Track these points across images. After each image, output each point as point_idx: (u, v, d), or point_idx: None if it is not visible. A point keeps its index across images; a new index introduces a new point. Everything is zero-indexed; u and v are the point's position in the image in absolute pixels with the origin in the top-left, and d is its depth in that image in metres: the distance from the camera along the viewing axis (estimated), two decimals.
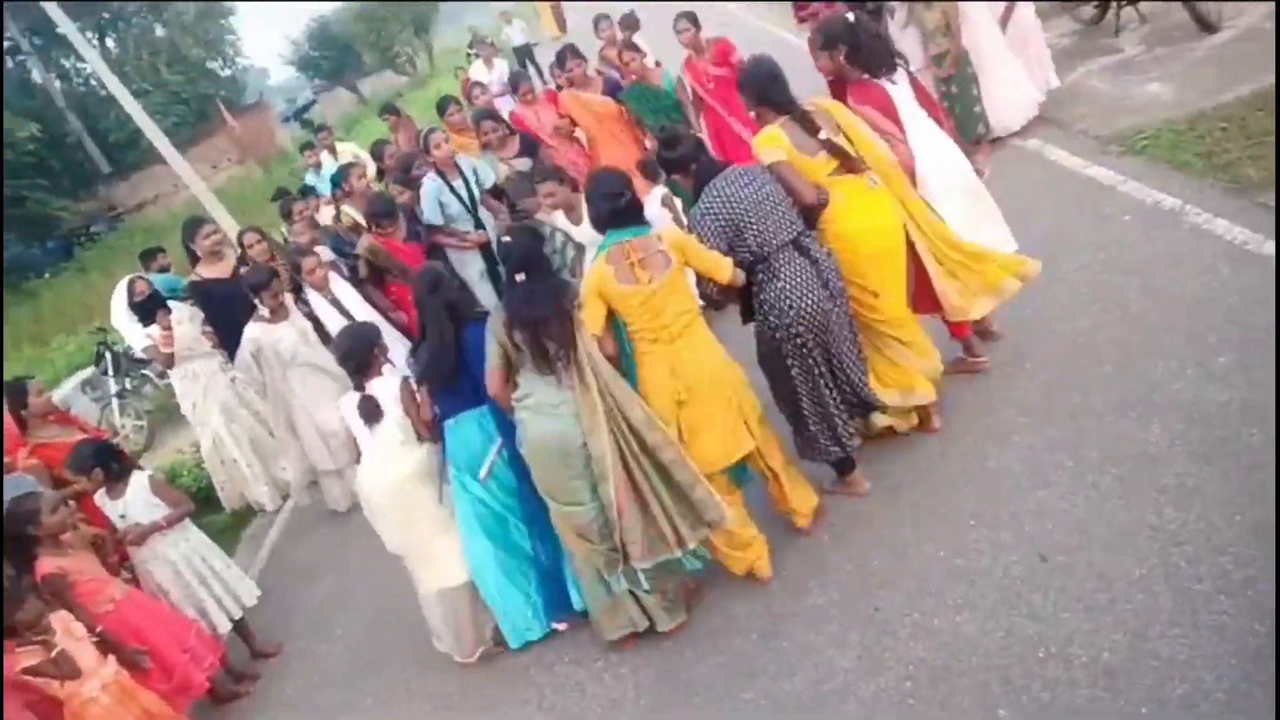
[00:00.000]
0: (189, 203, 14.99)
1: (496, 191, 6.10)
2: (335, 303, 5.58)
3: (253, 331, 5.43)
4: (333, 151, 10.09)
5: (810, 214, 3.65)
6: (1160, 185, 4.92)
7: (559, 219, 5.03)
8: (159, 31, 29.25)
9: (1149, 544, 2.96)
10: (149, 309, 6.23)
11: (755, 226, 3.51)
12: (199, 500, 6.58)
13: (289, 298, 5.63)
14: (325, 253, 5.95)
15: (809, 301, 3.50)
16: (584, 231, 4.72)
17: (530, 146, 6.49)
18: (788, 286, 3.51)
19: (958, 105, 6.20)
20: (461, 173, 6.11)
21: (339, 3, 36.12)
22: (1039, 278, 4.02)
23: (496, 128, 6.45)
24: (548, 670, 3.76)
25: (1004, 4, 6.31)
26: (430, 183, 6.11)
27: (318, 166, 9.53)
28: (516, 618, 3.88)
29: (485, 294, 6.10)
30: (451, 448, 3.81)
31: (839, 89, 4.51)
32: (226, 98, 29.02)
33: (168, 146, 13.46)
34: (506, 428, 3.64)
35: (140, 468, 4.88)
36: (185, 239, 6.17)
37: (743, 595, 3.62)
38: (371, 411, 3.90)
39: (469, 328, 3.70)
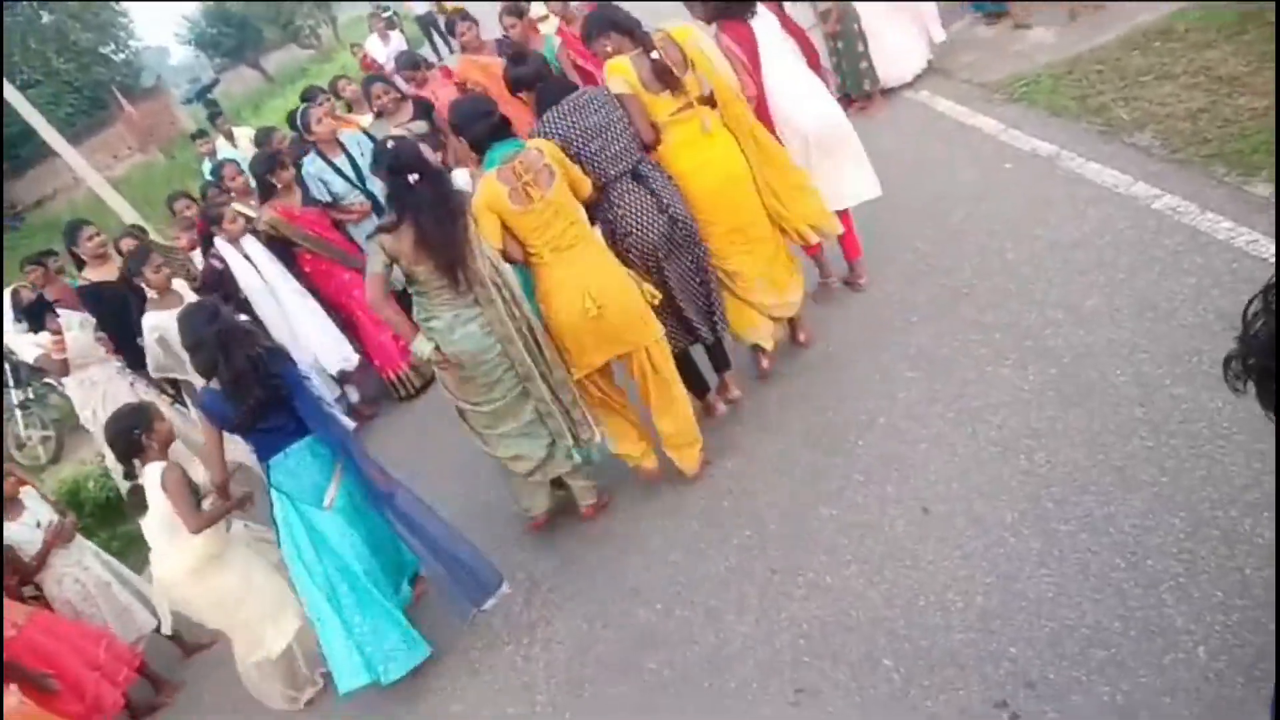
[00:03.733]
0: (91, 196, 14.40)
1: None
2: (248, 258, 5.55)
3: (151, 319, 5.31)
4: (230, 137, 9.80)
5: (648, 148, 3.82)
6: (1038, 131, 5.04)
7: (460, 176, 4.97)
8: (45, 19, 27.81)
9: (1020, 488, 3.08)
10: (37, 315, 6.01)
11: (592, 156, 3.64)
12: (108, 510, 6.49)
13: (180, 283, 5.55)
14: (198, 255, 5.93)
15: (646, 228, 3.70)
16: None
17: (425, 110, 6.39)
18: (625, 214, 3.69)
19: (845, 60, 6.26)
20: (344, 148, 6.05)
21: None
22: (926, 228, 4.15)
23: (388, 90, 6.35)
24: (461, 657, 3.79)
25: None
26: (310, 163, 6.05)
27: (213, 154, 9.24)
28: (345, 666, 3.62)
29: None
30: (283, 483, 3.61)
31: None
32: (123, 83, 27.85)
33: (58, 139, 12.91)
34: (340, 449, 3.64)
35: (33, 485, 4.75)
36: (68, 243, 5.95)
37: (645, 565, 3.68)
38: (140, 503, 3.75)
39: (272, 358, 3.55)
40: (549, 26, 6.96)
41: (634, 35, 3.81)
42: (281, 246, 5.93)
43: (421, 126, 6.18)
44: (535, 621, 3.75)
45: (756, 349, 4.22)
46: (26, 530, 4.32)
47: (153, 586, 4.07)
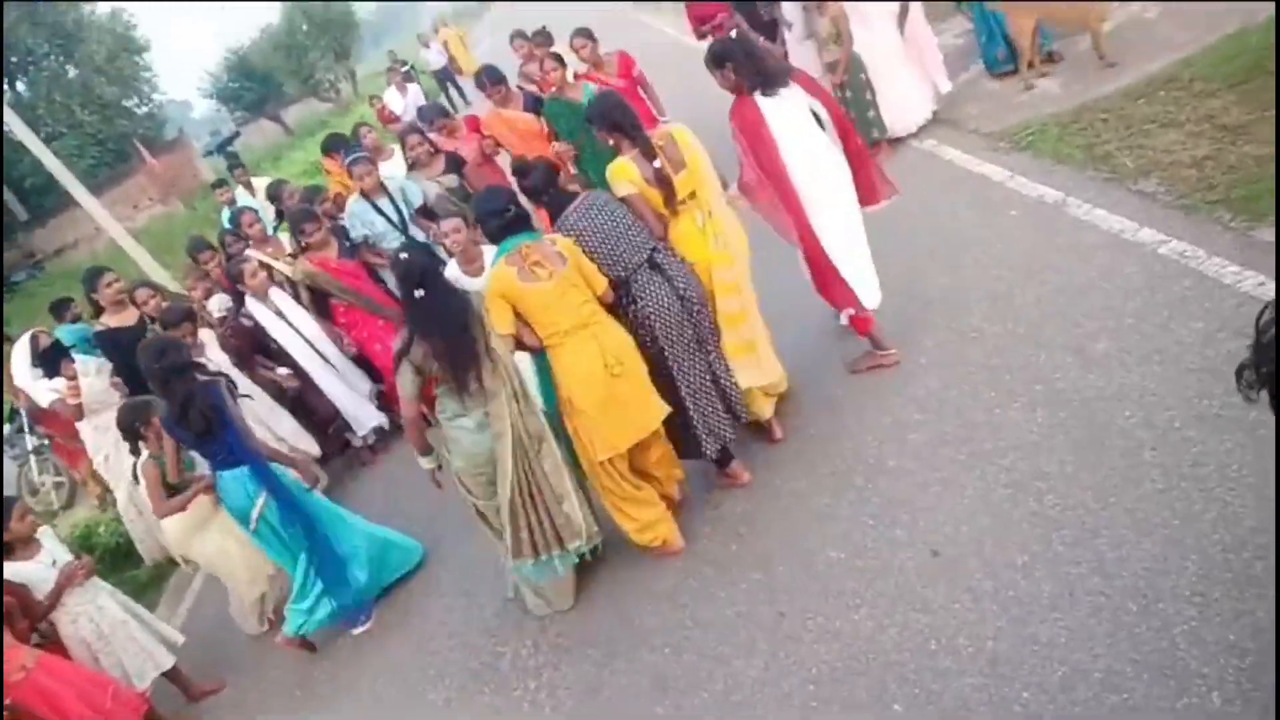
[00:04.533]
0: (112, 245, 14.66)
1: (426, 211, 6.13)
2: (279, 313, 5.64)
3: None
4: (249, 187, 9.95)
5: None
6: (1044, 179, 5.09)
7: (451, 268, 4.78)
8: (71, 73, 28.52)
9: (1031, 530, 3.06)
10: (53, 361, 6.09)
11: (608, 255, 3.72)
12: (119, 555, 6.49)
13: (206, 334, 5.71)
14: (218, 301, 6.01)
15: (668, 318, 3.76)
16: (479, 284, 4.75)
17: (456, 165, 6.50)
18: (647, 307, 3.74)
19: (852, 109, 6.34)
20: (388, 192, 6.17)
21: (256, 34, 35.53)
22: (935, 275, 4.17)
23: (423, 142, 6.46)
24: (467, 701, 3.76)
25: (899, 4, 6.45)
26: (356, 204, 6.20)
27: (231, 203, 9.38)
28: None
29: None
30: (223, 495, 4.45)
31: None
32: (145, 135, 28.39)
33: (81, 190, 13.20)
34: (268, 482, 4.32)
35: (49, 527, 4.77)
36: (87, 290, 6.04)
37: (654, 609, 3.66)
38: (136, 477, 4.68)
39: (207, 390, 4.23)
40: (568, 75, 7.02)
41: (634, 137, 3.89)
42: (319, 296, 6.06)
43: (452, 180, 6.31)
44: (543, 666, 3.72)
45: (769, 424, 4.20)
46: (42, 569, 4.33)
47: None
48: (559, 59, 6.73)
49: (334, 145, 7.51)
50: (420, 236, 6.19)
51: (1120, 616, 2.64)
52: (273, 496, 4.36)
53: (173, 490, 4.54)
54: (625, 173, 3.85)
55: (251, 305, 5.95)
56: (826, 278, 4.15)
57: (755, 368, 4.02)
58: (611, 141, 3.94)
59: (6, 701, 3.87)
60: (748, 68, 4.03)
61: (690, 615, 3.54)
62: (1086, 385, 3.53)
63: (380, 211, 6.15)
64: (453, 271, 4.97)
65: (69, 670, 4.26)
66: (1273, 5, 5.16)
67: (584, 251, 3.68)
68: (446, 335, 3.50)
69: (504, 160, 6.85)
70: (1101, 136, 5.22)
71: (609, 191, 3.89)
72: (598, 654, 3.62)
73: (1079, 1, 6.04)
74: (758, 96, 3.99)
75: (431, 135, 6.81)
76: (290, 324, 5.95)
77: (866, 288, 4.23)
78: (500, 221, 3.68)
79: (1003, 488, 3.29)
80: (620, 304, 3.76)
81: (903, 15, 6.45)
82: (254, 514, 4.37)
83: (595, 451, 3.65)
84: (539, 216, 4.29)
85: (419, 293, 3.49)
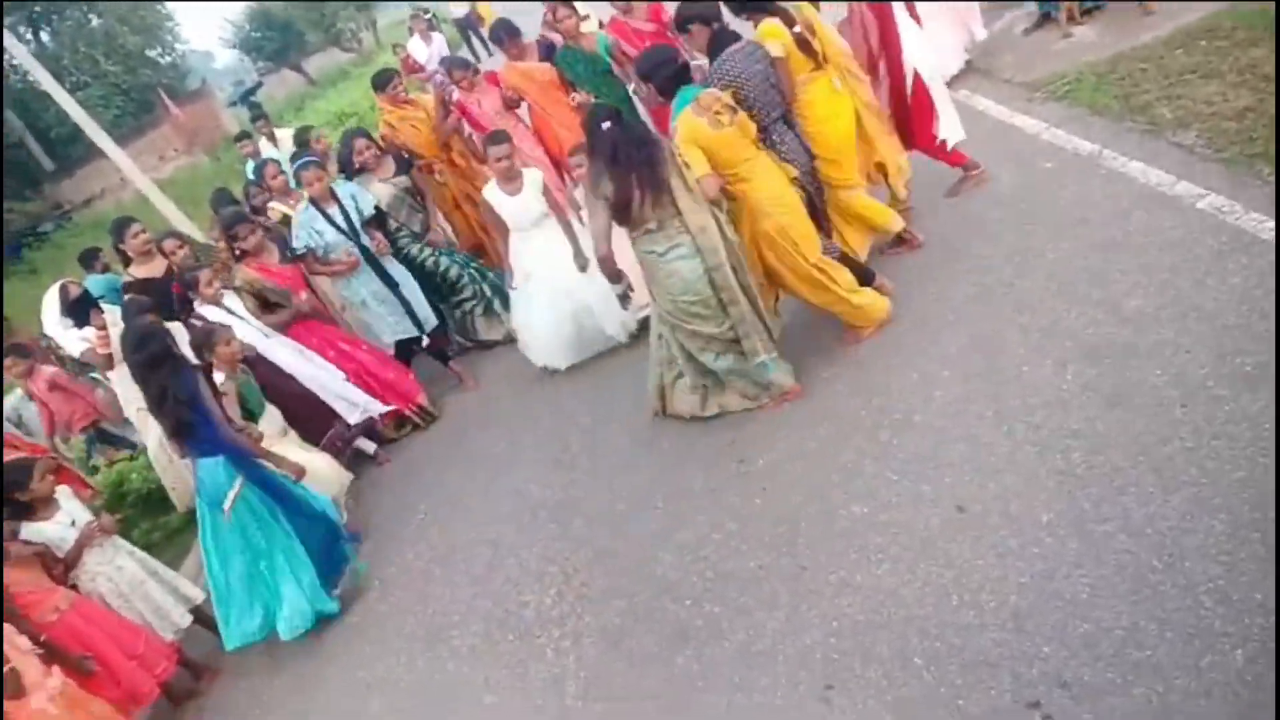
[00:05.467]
0: (138, 196, 14.74)
1: (378, 218, 5.97)
2: (230, 311, 5.47)
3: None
4: (271, 138, 9.94)
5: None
6: (1080, 130, 4.98)
7: (490, 190, 5.42)
8: (94, 22, 28.47)
9: (1058, 488, 3.04)
10: (82, 311, 6.16)
11: (758, 101, 4.20)
12: (151, 502, 6.61)
13: (232, 298, 5.59)
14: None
15: (801, 164, 4.32)
16: (522, 200, 5.39)
17: (405, 165, 6.35)
18: (783, 153, 4.28)
19: None
20: (338, 200, 5.85)
21: None
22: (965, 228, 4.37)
23: (369, 146, 6.28)
24: (493, 649, 3.82)
25: None
26: (305, 212, 5.87)
27: (255, 155, 9.37)
28: (240, 623, 4.45)
29: (380, 316, 5.98)
30: (199, 482, 4.37)
31: None
32: (169, 85, 28.42)
33: (106, 140, 13.23)
34: (244, 468, 4.32)
35: (80, 475, 4.87)
36: (114, 240, 6.08)
37: (676, 561, 3.68)
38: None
39: (182, 381, 4.18)
40: (589, 26, 6.95)
41: (770, 8, 4.37)
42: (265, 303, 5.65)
43: (403, 181, 6.22)
44: (566, 615, 3.77)
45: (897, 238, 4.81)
46: (61, 529, 4.41)
47: None
48: (572, 6, 6.65)
49: (385, 81, 7.34)
50: (369, 243, 5.87)
51: (1145, 574, 2.63)
52: (250, 483, 4.36)
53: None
54: (777, 33, 4.28)
55: (202, 309, 5.45)
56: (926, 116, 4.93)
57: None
58: (747, 15, 4.45)
59: (43, 638, 3.97)
60: None
61: (712, 567, 3.56)
62: (1118, 341, 3.48)
63: (330, 220, 5.80)
64: (493, 193, 5.31)
65: (103, 615, 4.37)
66: None
67: (738, 95, 4.10)
68: (636, 163, 3.83)
69: (523, 111, 6.79)
70: (1140, 87, 5.08)
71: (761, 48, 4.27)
72: (621, 604, 3.66)
73: None
74: None
75: (451, 87, 6.75)
76: (251, 325, 5.50)
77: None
78: (670, 70, 4.18)
79: (1030, 445, 3.27)
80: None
81: None
82: (229, 497, 4.30)
83: (810, 251, 4.14)
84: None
85: (606, 125, 3.88)
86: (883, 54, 4.91)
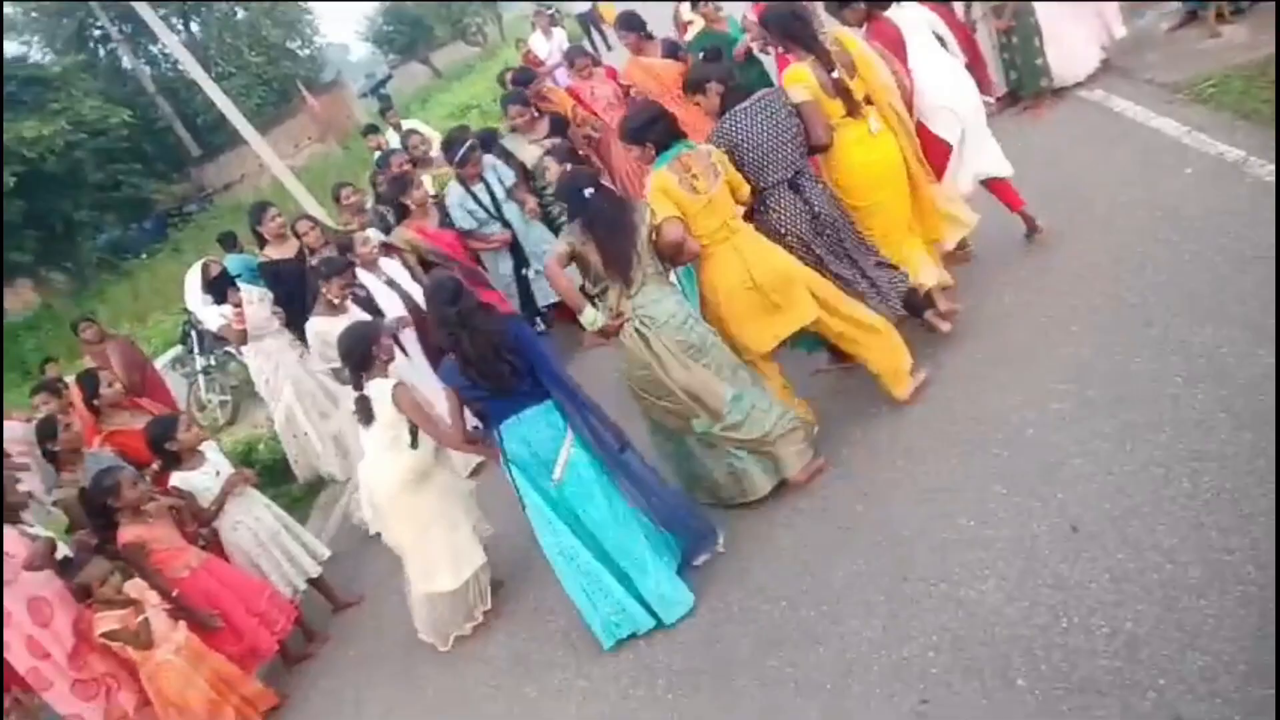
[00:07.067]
0: (274, 182, 15.53)
1: (526, 176, 6.21)
2: (390, 282, 5.77)
3: (316, 325, 5.44)
4: (398, 129, 10.31)
5: (822, 150, 4.14)
6: (1225, 136, 4.69)
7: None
8: (239, 15, 30.11)
9: (1183, 512, 2.89)
10: (221, 289, 6.54)
11: (756, 166, 3.97)
12: (275, 472, 6.98)
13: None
14: (374, 234, 6.14)
15: (795, 234, 4.04)
16: None
17: (559, 127, 6.54)
18: (780, 222, 4.05)
19: (1019, 57, 6.02)
20: (483, 178, 6.19)
21: None
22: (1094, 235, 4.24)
23: (524, 111, 6.57)
24: (586, 635, 3.87)
25: None
26: (453, 192, 6.26)
27: (382, 147, 9.73)
28: (602, 616, 3.69)
29: (515, 294, 6.38)
30: (513, 450, 3.66)
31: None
32: (306, 77, 29.79)
33: (247, 128, 13.93)
34: (574, 413, 3.65)
35: (213, 440, 5.18)
36: (252, 222, 6.44)
37: (772, 565, 3.67)
38: (365, 412, 4.07)
39: (509, 324, 3.74)
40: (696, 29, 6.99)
41: (811, 46, 4.05)
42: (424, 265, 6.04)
43: (554, 142, 6.38)
44: None
45: (931, 298, 4.31)
46: (207, 479, 4.71)
47: (360, 490, 4.47)
48: None
49: (523, 79, 7.61)
50: (515, 218, 6.24)
51: (1272, 609, 2.47)
52: (580, 441, 3.64)
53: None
54: (802, 77, 4.01)
55: (361, 275, 5.68)
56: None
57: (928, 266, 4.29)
58: (783, 49, 4.14)
59: (174, 594, 4.25)
60: None
61: (809, 572, 3.53)
62: (1256, 362, 3.28)
63: (476, 199, 6.18)
64: None
65: (230, 573, 4.65)
66: None
67: (733, 157, 3.94)
68: (610, 223, 3.76)
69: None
70: None
71: (783, 94, 4.04)
72: (715, 604, 3.66)
73: None
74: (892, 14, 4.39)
75: (560, 76, 6.91)
76: (401, 291, 5.76)
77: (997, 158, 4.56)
78: (662, 126, 3.93)
79: (1154, 465, 3.11)
80: (754, 209, 4.05)
81: None
82: (563, 457, 3.61)
83: (750, 347, 3.97)
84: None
85: (588, 191, 3.82)
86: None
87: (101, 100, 22.70)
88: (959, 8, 6.12)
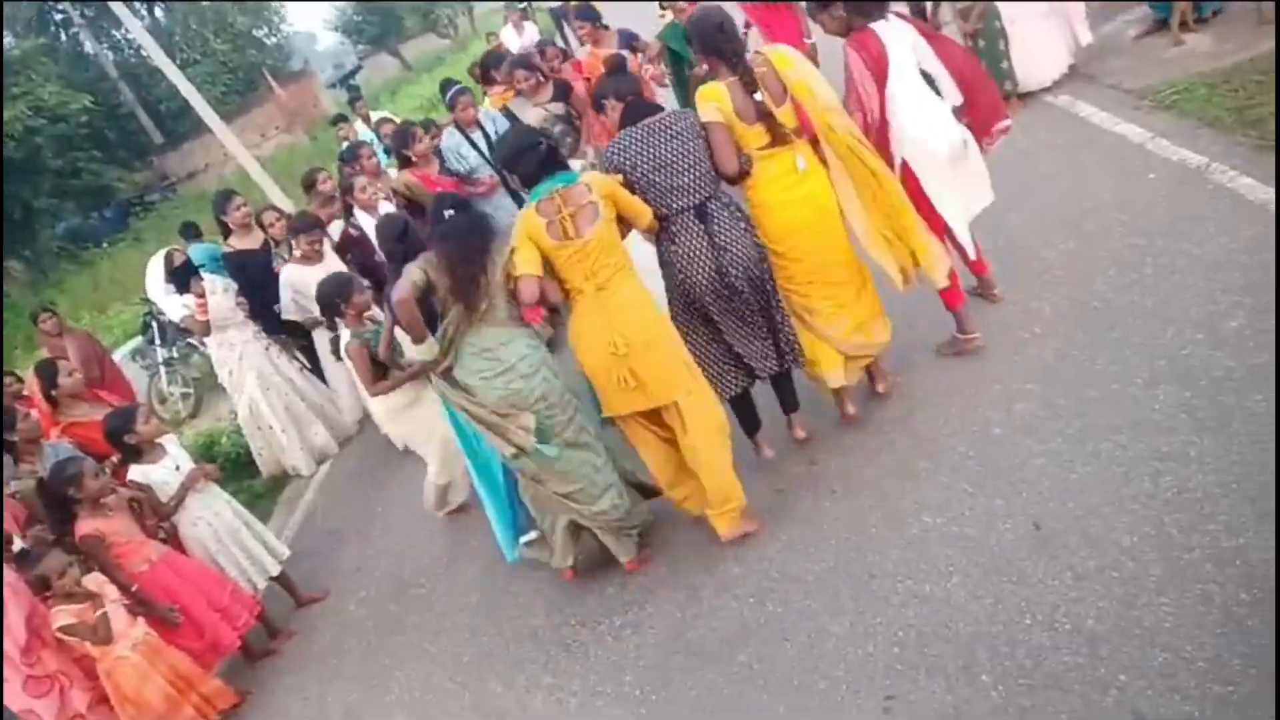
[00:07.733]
0: (239, 171, 15.31)
1: None
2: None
3: (287, 274, 5.78)
4: (367, 120, 10.23)
5: (729, 181, 3.70)
6: (1188, 142, 4.77)
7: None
8: (205, 1, 29.61)
9: (1144, 511, 2.94)
10: (184, 278, 6.44)
11: (655, 185, 3.58)
12: (238, 465, 6.88)
13: (326, 243, 5.96)
14: (337, 229, 6.18)
15: (697, 271, 3.61)
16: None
17: (563, 92, 6.57)
18: (679, 253, 3.64)
19: (984, 59, 6.04)
20: (481, 126, 6.40)
21: None
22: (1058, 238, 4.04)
23: (529, 76, 6.62)
24: (555, 632, 3.87)
25: None
26: (449, 136, 6.41)
27: (351, 137, 9.64)
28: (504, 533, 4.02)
29: None
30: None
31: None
32: (273, 65, 29.39)
33: (212, 116, 13.69)
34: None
35: (174, 434, 5.09)
36: (217, 212, 6.35)
37: (742, 559, 3.68)
38: (337, 350, 4.63)
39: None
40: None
41: (734, 64, 3.63)
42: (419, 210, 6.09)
43: (559, 107, 6.42)
44: (629, 603, 3.80)
45: (838, 395, 3.98)
46: (166, 473, 4.63)
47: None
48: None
49: (451, 86, 7.62)
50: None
51: (1232, 607, 2.53)
52: None
53: (380, 370, 4.36)
54: (715, 96, 3.58)
55: (360, 219, 6.15)
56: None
57: (854, 329, 3.83)
58: (706, 66, 3.75)
59: (134, 588, 4.17)
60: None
61: (778, 568, 3.54)
62: (1215, 364, 3.34)
63: (472, 144, 6.35)
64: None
65: (191, 567, 4.58)
66: None
67: (633, 180, 3.58)
68: (462, 244, 3.51)
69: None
70: (1255, 99, 4.84)
71: (693, 114, 3.65)
72: (682, 597, 3.67)
73: None
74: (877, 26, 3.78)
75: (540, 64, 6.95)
76: None
77: (978, 197, 4.03)
78: (533, 158, 3.51)
79: (1115, 465, 3.16)
80: (659, 240, 3.71)
81: None
82: None
83: (609, 409, 3.68)
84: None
85: (449, 212, 3.58)
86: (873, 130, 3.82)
87: (62, 85, 22.21)
88: (928, 8, 6.18)
